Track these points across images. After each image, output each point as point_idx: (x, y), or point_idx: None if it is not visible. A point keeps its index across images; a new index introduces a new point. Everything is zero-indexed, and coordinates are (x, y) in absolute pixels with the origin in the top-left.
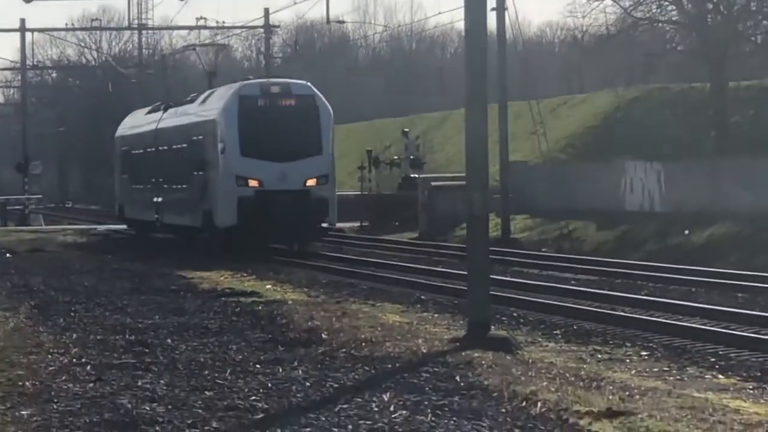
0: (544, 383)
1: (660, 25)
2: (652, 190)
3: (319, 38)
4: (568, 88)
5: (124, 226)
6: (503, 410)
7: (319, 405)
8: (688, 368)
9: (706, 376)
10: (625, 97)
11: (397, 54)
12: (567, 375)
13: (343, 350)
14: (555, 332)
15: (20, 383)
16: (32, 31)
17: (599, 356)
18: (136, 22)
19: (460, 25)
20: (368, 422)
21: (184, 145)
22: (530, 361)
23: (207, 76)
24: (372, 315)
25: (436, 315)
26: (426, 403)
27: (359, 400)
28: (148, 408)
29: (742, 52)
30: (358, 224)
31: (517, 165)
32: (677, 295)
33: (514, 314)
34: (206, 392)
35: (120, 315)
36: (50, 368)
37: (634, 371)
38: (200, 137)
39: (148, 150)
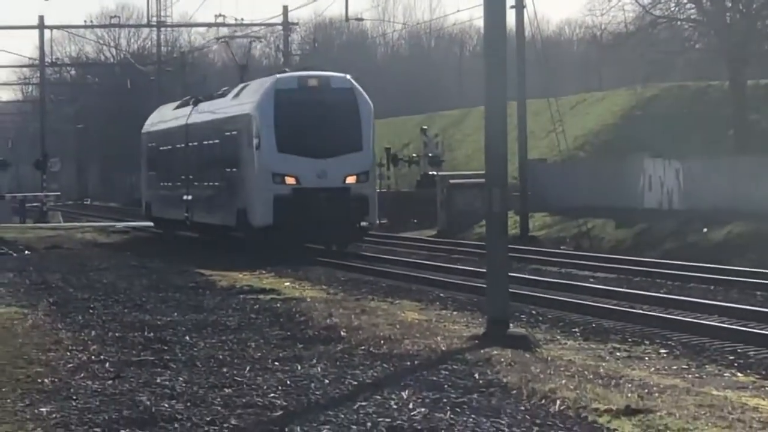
0: (563, 381)
1: (679, 23)
2: (671, 188)
3: (337, 36)
4: (586, 85)
5: (143, 223)
6: (522, 408)
7: (338, 402)
8: (706, 366)
9: (725, 374)
10: (643, 95)
11: (416, 51)
12: (586, 373)
13: (362, 348)
14: (574, 330)
15: (39, 380)
16: (51, 28)
17: (618, 354)
18: (154, 19)
19: (479, 22)
20: (387, 420)
21: (217, 141)
22: (549, 358)
23: (238, 70)
24: (391, 312)
25: (454, 312)
26: (445, 400)
27: (378, 397)
28: (166, 405)
29: (761, 50)
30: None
31: (536, 163)
32: (696, 293)
33: (533, 312)
34: (225, 389)
35: (139, 312)
36: (69, 365)
37: (652, 369)
38: (234, 132)
39: (177, 146)
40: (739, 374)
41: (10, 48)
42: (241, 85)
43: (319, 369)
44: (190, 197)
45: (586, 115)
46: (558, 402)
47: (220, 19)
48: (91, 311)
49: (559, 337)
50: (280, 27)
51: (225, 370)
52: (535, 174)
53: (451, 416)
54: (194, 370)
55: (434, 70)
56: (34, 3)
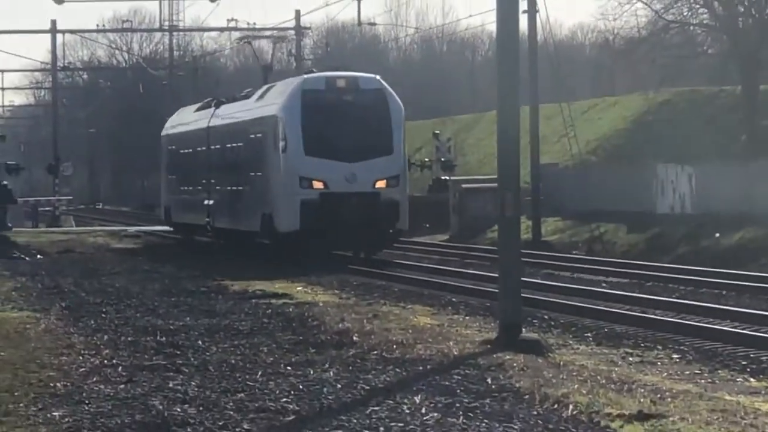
0: (576, 386)
1: (691, 27)
2: (683, 193)
3: (350, 40)
4: (599, 90)
5: (155, 228)
6: (534, 413)
7: (351, 407)
8: (719, 371)
9: (738, 379)
10: (655, 100)
11: (428, 56)
12: (598, 378)
13: (375, 352)
14: (586, 335)
15: (51, 384)
16: (63, 32)
17: (630, 359)
18: (167, 23)
19: (492, 27)
20: (400, 424)
21: (240, 144)
22: (561, 363)
23: (262, 71)
24: (403, 317)
25: (467, 317)
26: (457, 405)
27: (390, 402)
28: (179, 409)
29: None
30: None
31: (548, 167)
32: (708, 298)
33: (546, 317)
34: (237, 394)
35: (151, 316)
36: (81, 369)
37: (665, 374)
38: (258, 135)
39: (199, 149)
40: (751, 379)
41: (23, 52)
42: (266, 86)
43: (331, 373)
44: (211, 202)
45: (599, 120)
46: (570, 407)
47: (232, 24)
48: (103, 315)
49: (571, 341)
50: (293, 31)
51: (237, 374)
52: (548, 179)
53: (464, 421)
54: (207, 375)
55: (446, 74)
56: (47, 7)
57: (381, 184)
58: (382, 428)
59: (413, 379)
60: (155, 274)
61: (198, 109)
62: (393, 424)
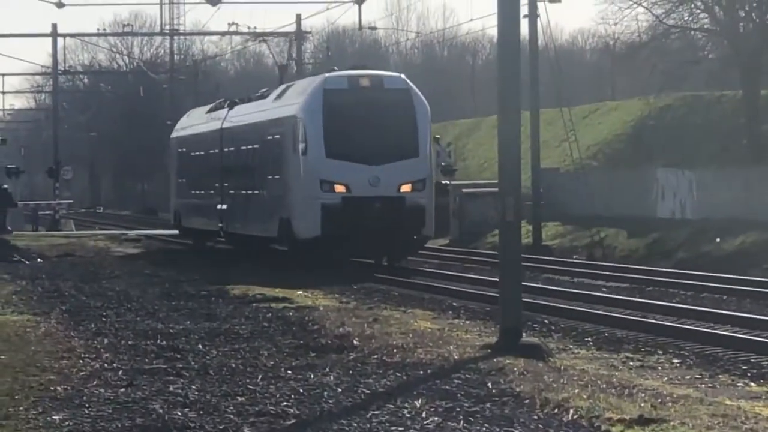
0: (576, 390)
1: (692, 32)
2: (684, 198)
3: (350, 44)
4: (599, 95)
5: (155, 232)
6: (535, 417)
7: (351, 411)
8: (720, 376)
9: (738, 384)
10: (656, 105)
11: (429, 60)
12: (599, 382)
13: (375, 356)
14: (587, 339)
15: (52, 388)
16: (64, 36)
17: (631, 364)
18: (167, 27)
19: (492, 31)
20: (400, 428)
21: (256, 146)
22: (562, 368)
23: (278, 70)
24: (403, 321)
25: (467, 322)
26: (458, 409)
27: (391, 406)
28: (179, 413)
29: None
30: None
31: (549, 172)
32: (709, 303)
33: (546, 321)
34: (238, 398)
35: (151, 320)
36: (81, 373)
37: (666, 379)
38: (276, 136)
39: (211, 152)
40: (752, 384)
41: (24, 56)
42: (284, 86)
43: (331, 378)
44: (224, 206)
45: (599, 125)
46: (571, 411)
47: (233, 28)
48: (103, 319)
49: (571, 346)
50: (294, 35)
51: (238, 378)
52: (548, 183)
53: (465, 425)
54: (207, 379)
55: (447, 79)
56: (48, 11)
57: (406, 188)
58: None
59: (414, 383)
60: (155, 278)
61: (210, 111)
62: (393, 428)
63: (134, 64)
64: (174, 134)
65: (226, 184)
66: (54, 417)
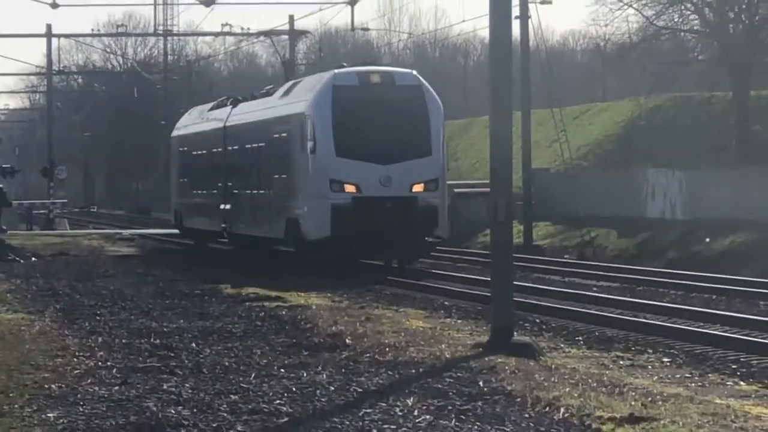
0: (567, 389)
1: (682, 34)
2: (674, 198)
3: (342, 45)
4: (590, 95)
5: (150, 231)
6: (526, 415)
7: (343, 409)
8: (709, 375)
9: (728, 383)
10: (646, 105)
11: (421, 61)
12: (589, 381)
13: (367, 355)
14: (577, 338)
15: (46, 386)
16: (58, 36)
17: (621, 362)
18: (161, 28)
19: (484, 32)
20: (392, 426)
21: (262, 144)
22: (553, 366)
23: (283, 67)
24: (395, 320)
25: (459, 320)
26: (450, 407)
27: (383, 404)
28: (173, 411)
29: (764, 61)
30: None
31: (540, 172)
32: (698, 303)
33: (537, 320)
34: (231, 396)
35: (145, 319)
36: (76, 371)
37: (656, 377)
38: (283, 135)
39: (214, 150)
40: (741, 383)
41: (18, 56)
42: (291, 82)
43: (324, 376)
44: (228, 206)
45: (590, 125)
46: (562, 409)
47: (226, 28)
48: (97, 318)
49: (562, 345)
50: (287, 36)
51: (231, 376)
52: (539, 183)
53: (456, 423)
54: (200, 377)
55: (439, 79)
56: (42, 11)
57: (418, 188)
58: (374, 430)
59: (406, 381)
60: (149, 277)
61: (212, 108)
62: (386, 426)
63: (128, 65)
64: (175, 133)
65: (229, 184)
66: (48, 415)
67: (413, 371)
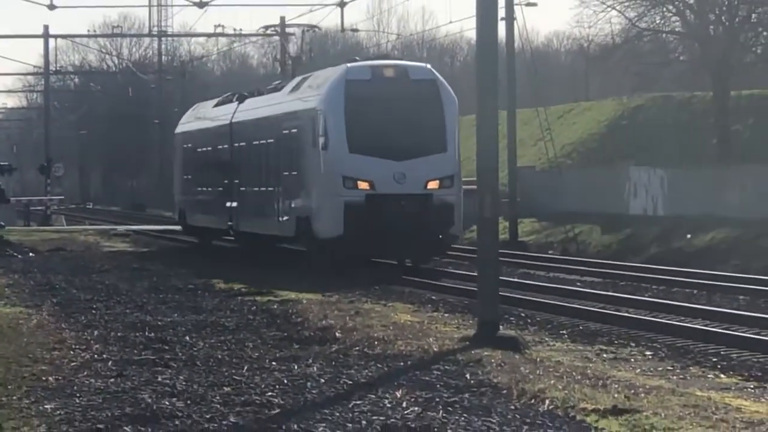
0: (552, 381)
1: (664, 35)
2: (656, 195)
3: (332, 46)
4: (574, 95)
5: (145, 227)
6: (512, 407)
7: (334, 401)
8: (691, 368)
9: (709, 376)
10: (629, 105)
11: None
12: (574, 374)
13: (357, 348)
14: (562, 332)
15: (44, 378)
16: (55, 37)
17: (605, 356)
18: (156, 29)
19: (470, 34)
20: (381, 418)
21: (271, 141)
22: (538, 359)
23: (292, 63)
24: (384, 314)
25: (446, 315)
26: (437, 399)
27: (372, 396)
28: (167, 403)
29: (744, 62)
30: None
31: (525, 170)
32: (680, 297)
33: (522, 314)
34: (224, 388)
35: (140, 313)
36: (73, 364)
37: (638, 370)
38: (293, 130)
39: (220, 147)
40: (722, 376)
41: (16, 56)
42: (300, 77)
43: (315, 369)
44: (235, 204)
45: (574, 125)
46: (547, 402)
47: (219, 29)
48: (93, 311)
49: (547, 338)
50: (277, 37)
51: (224, 369)
52: (524, 181)
53: (444, 415)
54: (194, 369)
55: None
56: (39, 13)
57: (433, 184)
58: (364, 422)
59: (394, 374)
60: (144, 272)
61: (217, 105)
62: (375, 417)
63: (123, 65)
64: (179, 129)
65: (236, 181)
66: (46, 406)
67: (402, 364)
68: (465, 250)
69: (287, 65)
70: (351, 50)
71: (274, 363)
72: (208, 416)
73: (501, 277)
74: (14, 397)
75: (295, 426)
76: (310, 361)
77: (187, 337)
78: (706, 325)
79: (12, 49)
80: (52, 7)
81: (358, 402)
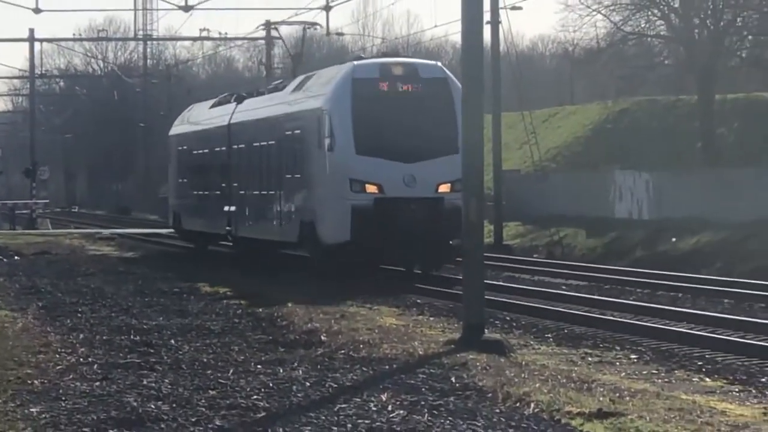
0: (537, 385)
1: (649, 39)
2: (641, 199)
3: (318, 50)
4: (559, 99)
5: (130, 230)
6: (497, 410)
7: (319, 404)
8: (675, 371)
9: (694, 379)
10: (614, 109)
11: None
12: (559, 377)
13: (342, 351)
14: (547, 335)
15: (29, 381)
16: (41, 41)
17: (590, 359)
18: (141, 32)
19: (455, 37)
20: (366, 421)
21: (272, 142)
22: (523, 363)
23: (291, 61)
24: (369, 318)
25: (431, 318)
26: (422, 403)
27: (358, 399)
28: (153, 406)
29: (728, 66)
30: None
31: (510, 174)
32: (665, 301)
33: (507, 318)
34: (209, 391)
35: (125, 316)
36: (58, 367)
37: (623, 374)
38: (297, 131)
39: (217, 149)
40: (707, 379)
41: (1, 60)
42: (303, 76)
43: (300, 372)
44: (233, 208)
45: (559, 128)
46: (532, 405)
47: (204, 34)
48: (79, 315)
49: (532, 342)
50: (263, 41)
51: (209, 372)
52: (510, 184)
53: (429, 418)
54: (179, 373)
55: None
56: (25, 16)
57: (444, 188)
58: (349, 425)
59: (380, 377)
60: (129, 275)
61: (214, 106)
62: (360, 421)
63: (109, 69)
64: (173, 131)
65: (235, 184)
66: (31, 410)
67: (387, 367)
68: None
69: (273, 69)
70: (336, 54)
71: (259, 366)
72: (193, 419)
73: (486, 281)
74: None
75: (281, 429)
76: (296, 364)
77: (173, 341)
78: (690, 329)
79: None
80: (37, 10)
81: (344, 405)
